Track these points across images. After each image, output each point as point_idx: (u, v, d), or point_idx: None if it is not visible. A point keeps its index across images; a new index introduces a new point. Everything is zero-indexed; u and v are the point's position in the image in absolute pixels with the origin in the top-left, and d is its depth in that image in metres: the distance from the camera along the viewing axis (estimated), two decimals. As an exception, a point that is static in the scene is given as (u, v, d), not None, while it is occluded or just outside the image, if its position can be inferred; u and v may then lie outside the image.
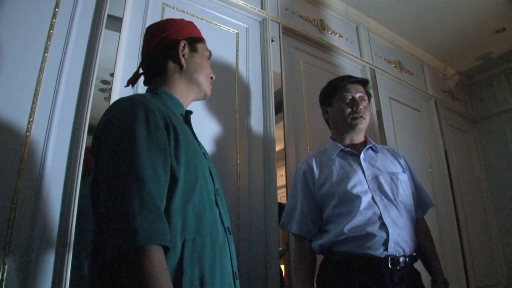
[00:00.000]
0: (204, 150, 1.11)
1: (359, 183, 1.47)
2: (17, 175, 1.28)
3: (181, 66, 1.10)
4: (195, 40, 1.15)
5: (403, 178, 1.54)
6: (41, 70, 1.45)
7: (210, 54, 1.21)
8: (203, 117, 1.88)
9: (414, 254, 1.45)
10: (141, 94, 1.00)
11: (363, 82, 1.68)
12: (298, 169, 1.65)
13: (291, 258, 1.95)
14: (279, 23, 2.43)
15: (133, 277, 0.71)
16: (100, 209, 0.79)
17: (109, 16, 1.69)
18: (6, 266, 1.18)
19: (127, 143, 0.81)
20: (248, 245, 1.81)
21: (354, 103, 1.59)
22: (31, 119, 1.37)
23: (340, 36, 2.90)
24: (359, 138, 1.63)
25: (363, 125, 1.60)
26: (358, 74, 2.85)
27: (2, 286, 1.16)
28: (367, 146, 1.59)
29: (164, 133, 0.87)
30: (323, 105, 1.73)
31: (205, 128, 1.86)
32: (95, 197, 0.87)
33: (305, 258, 1.52)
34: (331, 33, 2.82)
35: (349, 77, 1.68)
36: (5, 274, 1.17)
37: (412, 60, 3.58)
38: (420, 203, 1.63)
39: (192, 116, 1.12)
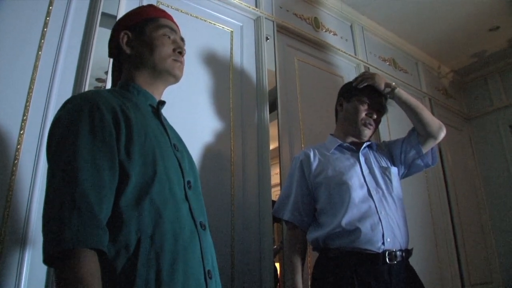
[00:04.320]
0: (177, 141, 1.05)
1: (355, 176, 1.50)
2: (10, 175, 1.28)
3: (129, 57, 1.05)
4: (141, 24, 1.07)
5: (394, 171, 1.58)
6: (35, 68, 1.44)
7: (171, 29, 1.09)
8: (197, 115, 1.87)
9: (409, 248, 1.47)
10: (94, 90, 0.96)
11: (386, 97, 1.66)
12: (296, 158, 1.66)
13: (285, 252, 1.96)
14: (273, 21, 2.43)
15: (60, 281, 0.69)
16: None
17: (103, 14, 1.69)
18: (-1, 264, 1.18)
19: (68, 143, 0.79)
20: (242, 243, 1.81)
21: (370, 111, 1.60)
22: (24, 117, 1.37)
23: (335, 34, 2.90)
24: (360, 140, 1.64)
25: (367, 134, 1.61)
26: (352, 72, 2.86)
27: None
28: (366, 144, 1.61)
29: (111, 128, 0.84)
30: (341, 96, 1.71)
31: (199, 125, 1.85)
32: None
33: (296, 246, 1.54)
34: (325, 31, 2.83)
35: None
36: (-2, 272, 1.18)
37: (406, 58, 3.59)
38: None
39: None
